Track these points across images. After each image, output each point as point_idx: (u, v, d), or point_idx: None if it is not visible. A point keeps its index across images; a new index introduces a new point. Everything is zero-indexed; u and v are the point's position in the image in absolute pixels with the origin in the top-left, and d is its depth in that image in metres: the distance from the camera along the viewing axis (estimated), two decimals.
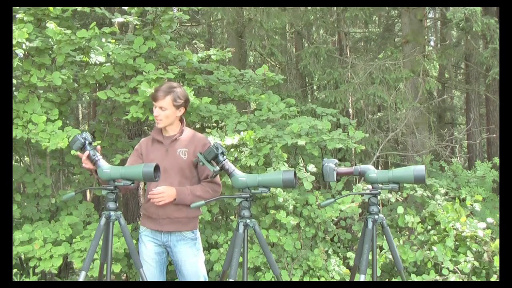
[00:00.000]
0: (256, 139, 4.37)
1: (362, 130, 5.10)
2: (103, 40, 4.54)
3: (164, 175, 2.98)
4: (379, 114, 9.37)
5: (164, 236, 3.10)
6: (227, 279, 2.81)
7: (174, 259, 3.15)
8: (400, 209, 4.54)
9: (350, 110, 8.33)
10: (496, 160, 5.48)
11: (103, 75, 4.54)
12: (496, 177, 5.27)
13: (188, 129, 3.22)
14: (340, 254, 4.74)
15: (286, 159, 4.49)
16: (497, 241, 4.26)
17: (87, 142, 2.98)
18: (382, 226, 3.04)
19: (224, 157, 2.91)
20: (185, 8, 5.23)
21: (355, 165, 4.53)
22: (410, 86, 6.68)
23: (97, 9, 4.73)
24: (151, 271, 3.08)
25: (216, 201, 3.08)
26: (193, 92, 4.39)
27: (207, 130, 4.81)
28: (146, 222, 3.16)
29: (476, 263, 4.29)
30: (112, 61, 4.53)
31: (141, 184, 9.29)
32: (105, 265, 2.96)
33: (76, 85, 4.77)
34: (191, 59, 4.97)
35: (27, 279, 4.35)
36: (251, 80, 5.39)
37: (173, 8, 4.99)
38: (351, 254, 4.49)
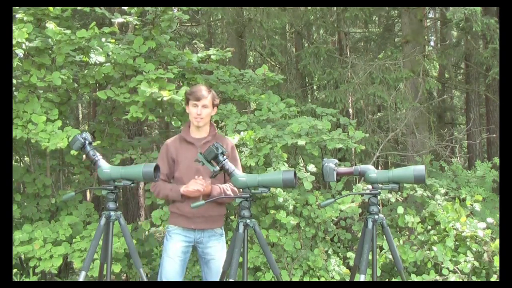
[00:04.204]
0: (256, 139, 4.37)
1: (362, 130, 5.09)
2: (103, 40, 4.54)
3: (197, 176, 3.06)
4: (379, 114, 9.37)
5: (197, 233, 3.19)
6: (227, 279, 2.82)
7: (204, 256, 3.24)
8: (400, 209, 4.54)
9: (350, 110, 8.33)
10: (496, 160, 5.47)
11: (103, 75, 4.54)
12: (496, 177, 5.26)
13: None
14: (340, 254, 4.73)
15: (286, 159, 4.49)
16: (497, 241, 4.26)
17: (87, 142, 2.99)
18: (382, 226, 3.04)
19: (224, 157, 2.91)
20: (185, 8, 5.23)
21: (355, 165, 4.52)
22: (410, 86, 6.67)
23: (97, 9, 4.73)
24: (174, 268, 3.14)
25: (216, 201, 3.08)
26: None
27: None
28: (178, 220, 3.19)
29: (476, 263, 4.29)
30: (112, 61, 4.53)
31: (141, 184, 9.31)
32: (105, 265, 2.97)
33: (76, 85, 4.77)
34: (191, 59, 4.97)
35: (27, 279, 4.35)
36: (251, 80, 5.38)
37: (173, 8, 4.99)
38: (351, 254, 4.49)
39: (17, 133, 4.03)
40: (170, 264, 3.14)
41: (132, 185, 2.90)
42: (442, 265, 4.29)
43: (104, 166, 2.95)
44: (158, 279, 3.22)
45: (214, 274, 3.21)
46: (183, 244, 3.18)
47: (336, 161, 3.09)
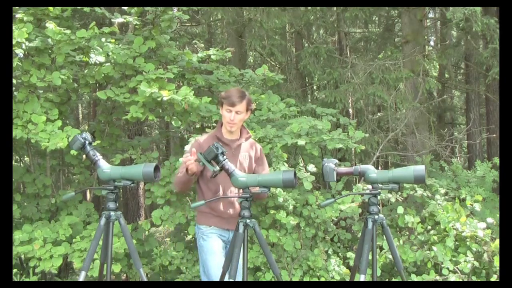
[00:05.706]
0: (256, 139, 4.37)
1: (362, 130, 5.09)
2: (103, 40, 4.54)
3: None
4: (379, 114, 9.34)
5: (230, 233, 3.18)
6: (227, 279, 2.82)
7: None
8: (400, 209, 4.54)
9: (350, 110, 8.31)
10: (496, 160, 5.47)
11: (103, 75, 4.54)
12: (496, 177, 5.25)
13: None
14: (340, 254, 4.73)
15: (286, 159, 4.49)
16: (497, 241, 4.26)
17: (87, 142, 2.99)
18: (382, 226, 3.04)
19: (224, 157, 2.90)
20: (185, 8, 5.23)
21: (355, 165, 4.52)
22: (410, 86, 6.67)
23: (97, 9, 4.74)
24: (221, 264, 3.08)
25: (216, 201, 3.08)
26: (193, 92, 4.39)
27: (207, 130, 4.80)
28: (214, 221, 3.18)
29: (476, 263, 4.29)
30: (112, 61, 4.53)
31: (141, 184, 9.31)
32: (105, 265, 2.97)
33: (76, 85, 4.77)
34: (191, 59, 4.97)
35: (27, 279, 4.35)
36: (251, 80, 5.38)
37: (173, 8, 4.99)
38: (351, 254, 4.49)
39: (17, 133, 4.03)
40: (218, 259, 3.07)
41: (132, 185, 2.90)
42: (442, 265, 4.29)
43: (104, 166, 2.95)
44: (205, 279, 3.13)
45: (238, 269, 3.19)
46: (221, 241, 3.18)
47: (336, 161, 3.09)
